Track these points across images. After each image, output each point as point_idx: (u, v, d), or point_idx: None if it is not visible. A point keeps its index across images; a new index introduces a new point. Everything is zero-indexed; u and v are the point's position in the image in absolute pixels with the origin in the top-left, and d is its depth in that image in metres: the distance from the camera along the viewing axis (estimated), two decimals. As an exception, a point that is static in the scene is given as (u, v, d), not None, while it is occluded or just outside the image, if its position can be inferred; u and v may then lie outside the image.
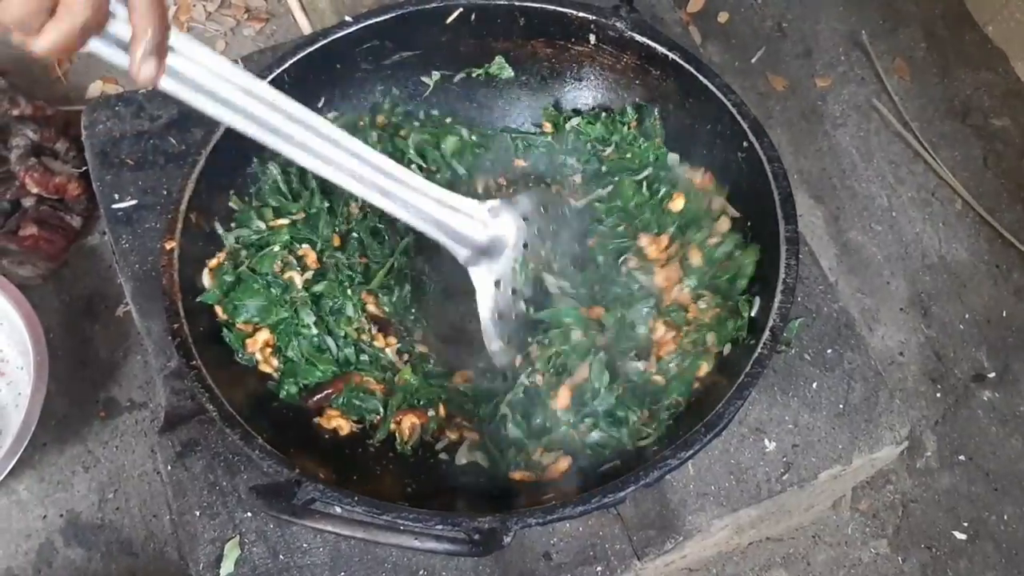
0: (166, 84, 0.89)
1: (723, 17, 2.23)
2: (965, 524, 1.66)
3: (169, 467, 1.21)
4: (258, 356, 1.17)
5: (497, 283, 1.20)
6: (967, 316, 1.85)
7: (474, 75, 1.40)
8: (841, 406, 1.28)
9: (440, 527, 0.96)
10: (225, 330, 1.17)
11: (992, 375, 1.80)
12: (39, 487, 1.61)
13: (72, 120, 1.77)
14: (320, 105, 1.35)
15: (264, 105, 0.98)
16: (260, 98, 0.97)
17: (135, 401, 1.69)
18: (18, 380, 1.61)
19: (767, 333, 1.07)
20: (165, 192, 1.40)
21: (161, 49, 0.85)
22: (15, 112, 1.77)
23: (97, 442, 1.65)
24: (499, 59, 1.39)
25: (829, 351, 1.31)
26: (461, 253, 1.17)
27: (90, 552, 1.56)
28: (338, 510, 0.98)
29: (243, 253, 1.21)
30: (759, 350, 1.06)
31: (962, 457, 1.72)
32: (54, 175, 1.73)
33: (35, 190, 1.72)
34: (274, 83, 1.26)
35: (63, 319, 1.75)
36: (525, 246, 1.23)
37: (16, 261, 1.70)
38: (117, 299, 1.75)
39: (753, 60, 2.17)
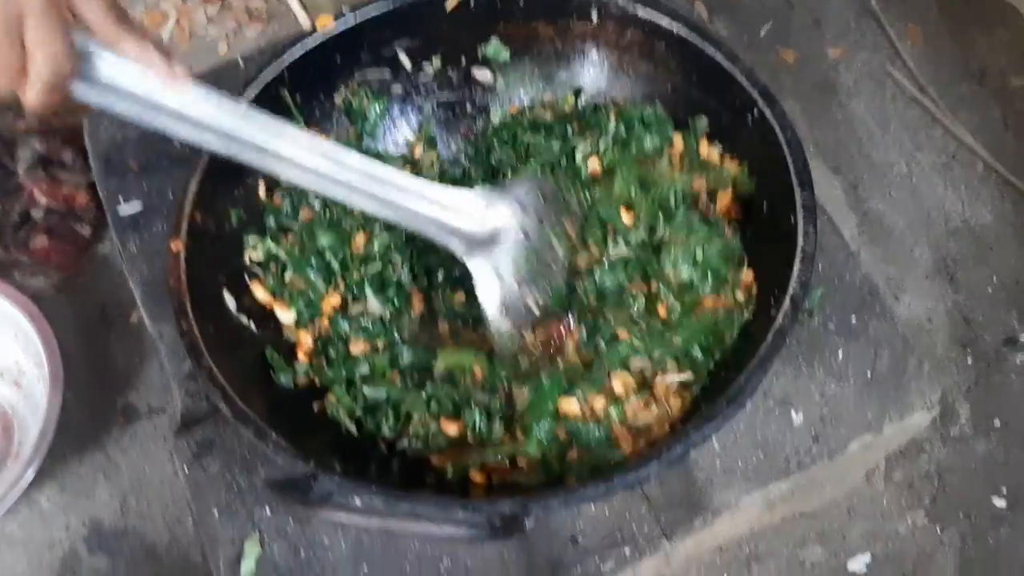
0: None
1: (729, -10, 2.20)
2: (1004, 491, 1.62)
3: (186, 468, 1.20)
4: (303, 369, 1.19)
5: (500, 275, 1.17)
6: (995, 279, 1.81)
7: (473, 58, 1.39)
8: (869, 374, 1.25)
9: (460, 514, 0.94)
10: (270, 350, 1.18)
11: (1024, 338, 1.75)
12: (61, 497, 1.60)
13: (78, 130, 1.75)
14: (322, 98, 1.33)
15: (239, 119, 0.97)
16: (234, 113, 0.96)
17: (153, 407, 1.68)
18: (35, 391, 1.59)
19: (787, 303, 1.04)
20: (171, 195, 1.39)
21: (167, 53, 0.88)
22: (21, 125, 1.77)
23: (117, 449, 1.65)
24: (495, 41, 1.37)
25: (854, 319, 1.28)
26: (458, 247, 1.15)
27: (114, 559, 1.55)
28: (357, 502, 0.97)
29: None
30: (780, 320, 1.04)
31: (997, 422, 1.67)
32: (62, 185, 1.73)
33: (44, 201, 1.72)
34: (275, 81, 1.25)
35: (78, 328, 1.75)
36: (526, 235, 1.20)
37: (28, 273, 1.70)
38: (131, 306, 1.75)
39: (762, 33, 2.13)
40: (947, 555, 1.58)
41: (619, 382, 1.12)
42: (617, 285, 1.23)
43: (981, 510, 1.61)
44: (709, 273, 1.19)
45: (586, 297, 1.23)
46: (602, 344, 1.18)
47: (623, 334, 1.18)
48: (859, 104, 2.03)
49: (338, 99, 1.35)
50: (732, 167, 1.26)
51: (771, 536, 1.57)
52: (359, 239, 1.27)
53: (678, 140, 1.30)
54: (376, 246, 1.26)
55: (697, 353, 1.14)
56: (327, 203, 1.29)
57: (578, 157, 1.31)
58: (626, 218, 1.25)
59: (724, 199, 1.25)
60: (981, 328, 1.76)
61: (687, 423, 1.07)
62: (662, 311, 1.19)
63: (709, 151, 1.29)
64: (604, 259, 1.24)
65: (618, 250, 1.24)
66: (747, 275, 1.19)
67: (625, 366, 1.15)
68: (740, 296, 1.18)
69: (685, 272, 1.19)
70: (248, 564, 1.13)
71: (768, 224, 1.19)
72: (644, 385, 1.14)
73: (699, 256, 1.19)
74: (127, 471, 1.63)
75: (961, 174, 1.93)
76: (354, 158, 1.05)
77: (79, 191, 1.74)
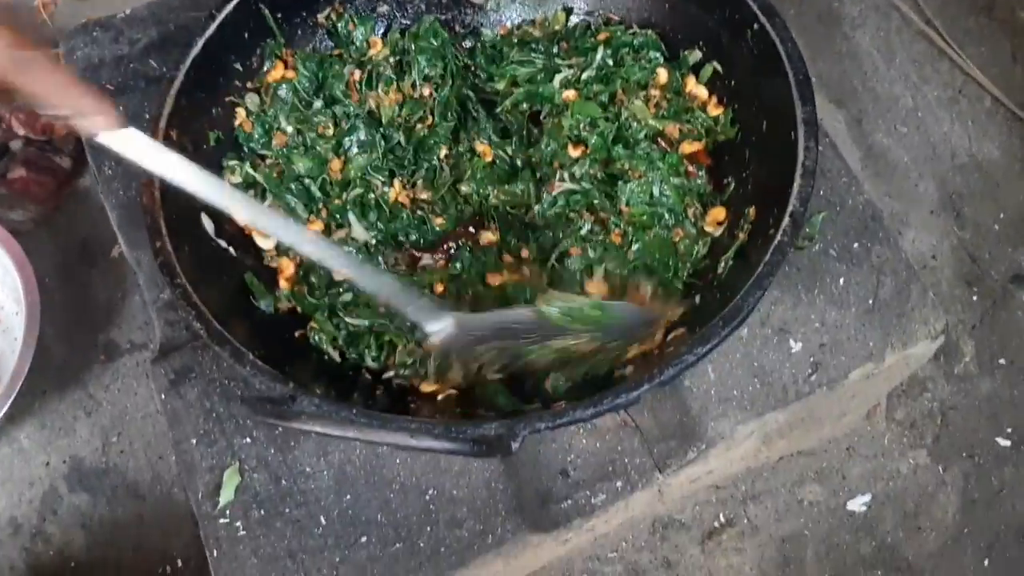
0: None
1: (729, -78, 2.12)
2: (1008, 430, 1.58)
3: (163, 396, 1.16)
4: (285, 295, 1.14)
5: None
6: (1002, 216, 1.76)
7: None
8: (870, 302, 1.20)
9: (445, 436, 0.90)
10: (250, 275, 1.14)
11: (1031, 275, 1.71)
12: (40, 434, 1.57)
13: (59, 58, 1.71)
14: (304, 16, 1.28)
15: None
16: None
17: (135, 342, 1.65)
18: (13, 326, 1.56)
19: (787, 219, 1.00)
20: (147, 116, 1.33)
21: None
22: (-2, 55, 1.72)
23: (98, 386, 1.61)
24: None
25: (856, 245, 1.23)
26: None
27: (95, 497, 1.52)
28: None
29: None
30: (779, 237, 0.99)
31: (1002, 361, 1.64)
32: (40, 115, 1.67)
33: (22, 132, 1.68)
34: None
35: (58, 264, 1.71)
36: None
37: (6, 206, 1.66)
38: (112, 241, 1.70)
39: (764, -35, 2.07)
40: (949, 495, 1.54)
41: (593, 290, 1.09)
42: (564, 214, 1.19)
43: (985, 449, 1.57)
44: (666, 213, 1.15)
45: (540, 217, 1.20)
46: (555, 263, 1.14)
47: (575, 251, 1.13)
48: (863, 36, 1.97)
49: (322, 18, 1.30)
50: (716, 111, 1.21)
51: (768, 475, 1.53)
52: (335, 164, 1.22)
53: (662, 73, 1.24)
54: (352, 170, 1.22)
55: (655, 265, 1.11)
56: (299, 128, 1.24)
57: (556, 81, 1.26)
58: (574, 152, 1.20)
59: (694, 147, 1.20)
60: (987, 265, 1.72)
61: (669, 343, 1.03)
62: (616, 238, 1.14)
63: (696, 89, 1.23)
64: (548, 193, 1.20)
65: (563, 184, 1.19)
66: (719, 213, 1.14)
67: (589, 276, 1.11)
68: (709, 228, 1.14)
69: (638, 209, 1.15)
70: (227, 493, 1.09)
71: (767, 144, 1.13)
72: (617, 295, 1.10)
73: (655, 193, 1.15)
74: (108, 408, 1.59)
75: (968, 108, 1.88)
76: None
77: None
